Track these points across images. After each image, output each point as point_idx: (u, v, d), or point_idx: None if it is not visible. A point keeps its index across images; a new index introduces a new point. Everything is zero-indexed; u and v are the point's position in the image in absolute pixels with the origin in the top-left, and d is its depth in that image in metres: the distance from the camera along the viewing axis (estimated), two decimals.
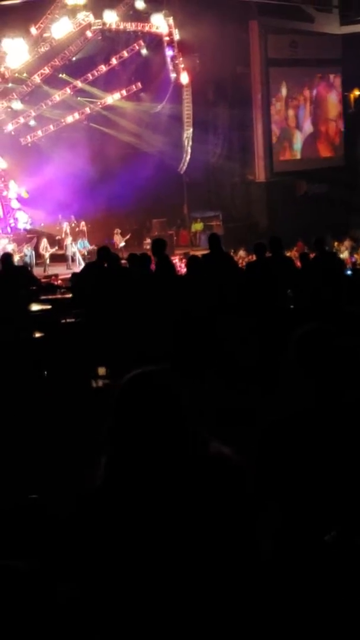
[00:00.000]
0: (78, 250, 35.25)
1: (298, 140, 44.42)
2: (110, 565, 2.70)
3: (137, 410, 2.77)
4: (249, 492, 2.85)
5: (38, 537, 4.19)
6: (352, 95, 44.23)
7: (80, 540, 2.84)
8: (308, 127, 44.60)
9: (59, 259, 35.68)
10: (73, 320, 14.17)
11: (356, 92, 43.86)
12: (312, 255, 16.66)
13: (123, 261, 16.78)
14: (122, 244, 36.25)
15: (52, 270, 32.85)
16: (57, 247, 35.95)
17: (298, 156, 44.48)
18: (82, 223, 37.30)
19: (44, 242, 35.40)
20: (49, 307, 15.14)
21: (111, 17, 36.24)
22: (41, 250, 34.97)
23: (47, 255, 34.93)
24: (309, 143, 44.63)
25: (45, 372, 11.65)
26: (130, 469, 2.71)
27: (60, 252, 35.87)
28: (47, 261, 34.80)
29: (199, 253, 23.74)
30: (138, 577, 2.66)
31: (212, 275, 13.50)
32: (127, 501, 2.71)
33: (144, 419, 2.74)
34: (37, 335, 13.29)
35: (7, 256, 16.14)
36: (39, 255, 34.93)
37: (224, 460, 2.80)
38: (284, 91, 43.34)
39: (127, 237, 37.39)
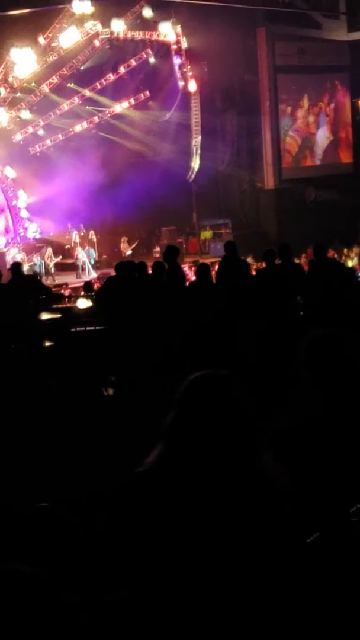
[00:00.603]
0: (87, 259, 35.31)
1: (319, 147, 44.60)
2: (148, 549, 2.72)
3: (201, 410, 2.81)
4: (288, 511, 2.86)
5: (47, 545, 4.19)
6: None
7: (121, 522, 2.87)
8: (325, 134, 44.73)
9: (68, 267, 35.75)
10: (83, 329, 14.19)
11: None
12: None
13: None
14: (129, 252, 36.28)
15: (61, 279, 32.89)
16: (61, 257, 35.96)
17: (318, 162, 44.70)
18: (92, 232, 37.34)
19: (49, 251, 35.41)
20: (58, 315, 15.16)
21: (119, 26, 36.23)
22: (46, 259, 35.00)
23: (51, 264, 34.96)
24: (329, 150, 44.76)
25: (56, 381, 11.65)
26: (184, 465, 2.75)
27: (70, 260, 35.94)
28: (52, 270, 34.84)
29: (209, 261, 23.83)
30: (172, 567, 2.68)
31: (227, 280, 13.55)
32: (173, 493, 2.75)
33: (206, 420, 2.79)
34: (47, 344, 13.30)
35: (17, 265, 16.17)
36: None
37: (272, 476, 2.82)
38: (305, 101, 43.52)
39: (134, 245, 37.38)
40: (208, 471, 2.71)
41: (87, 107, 38.48)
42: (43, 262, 34.52)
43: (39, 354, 12.58)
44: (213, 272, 16.14)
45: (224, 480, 2.71)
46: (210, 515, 2.69)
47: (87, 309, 15.65)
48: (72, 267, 35.47)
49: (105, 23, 35.86)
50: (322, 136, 44.66)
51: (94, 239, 37.17)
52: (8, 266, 19.44)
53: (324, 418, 3.68)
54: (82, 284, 24.36)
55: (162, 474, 2.79)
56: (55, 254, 35.91)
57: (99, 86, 37.88)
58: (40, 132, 38.15)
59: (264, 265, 16.10)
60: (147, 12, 37.04)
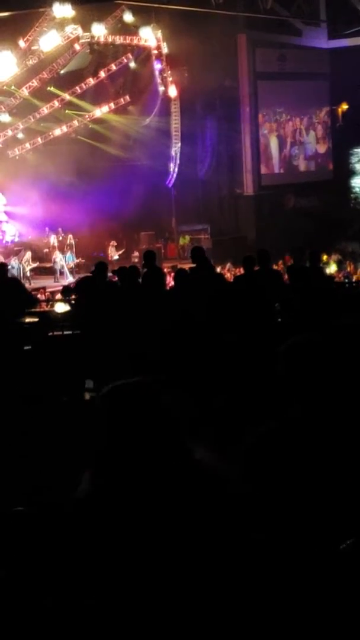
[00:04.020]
0: (65, 263, 35.17)
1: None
2: (98, 572, 2.68)
3: (120, 422, 2.75)
4: (233, 501, 2.83)
5: (22, 549, 4.16)
6: (339, 109, 44.39)
7: (66, 548, 2.83)
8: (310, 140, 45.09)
9: (46, 271, 35.60)
10: (61, 333, 14.16)
11: (344, 106, 44.03)
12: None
13: (109, 274, 16.67)
14: (116, 257, 36.13)
15: (39, 282, 32.75)
16: (38, 262, 35.74)
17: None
18: (70, 236, 37.17)
19: (27, 255, 35.06)
20: (36, 319, 15.11)
21: (100, 30, 36.21)
22: (23, 263, 34.77)
23: (28, 268, 34.70)
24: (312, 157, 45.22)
25: (35, 385, 11.62)
26: (117, 481, 2.69)
27: (48, 264, 35.78)
28: (28, 274, 34.56)
29: (187, 266, 23.80)
30: (124, 586, 2.65)
31: (200, 288, 13.50)
32: (114, 512, 2.69)
33: (127, 430, 2.72)
34: (26, 348, 13.26)
35: (2, 266, 16.09)
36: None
37: (208, 469, 2.78)
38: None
39: (121, 251, 37.25)
40: (144, 483, 2.67)
41: (67, 111, 38.41)
42: (21, 265, 34.26)
43: (17, 357, 12.55)
44: None
45: (157, 487, 2.67)
46: (153, 526, 2.65)
47: (65, 313, 15.61)
48: (50, 271, 35.33)
49: (86, 27, 35.80)
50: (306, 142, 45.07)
51: (73, 243, 37.03)
52: None
53: (303, 421, 3.69)
54: (60, 288, 24.29)
55: (98, 498, 2.74)
56: (33, 258, 35.68)
57: (79, 90, 37.82)
58: (20, 135, 38.03)
59: (242, 271, 16.08)
60: (128, 17, 37.06)
